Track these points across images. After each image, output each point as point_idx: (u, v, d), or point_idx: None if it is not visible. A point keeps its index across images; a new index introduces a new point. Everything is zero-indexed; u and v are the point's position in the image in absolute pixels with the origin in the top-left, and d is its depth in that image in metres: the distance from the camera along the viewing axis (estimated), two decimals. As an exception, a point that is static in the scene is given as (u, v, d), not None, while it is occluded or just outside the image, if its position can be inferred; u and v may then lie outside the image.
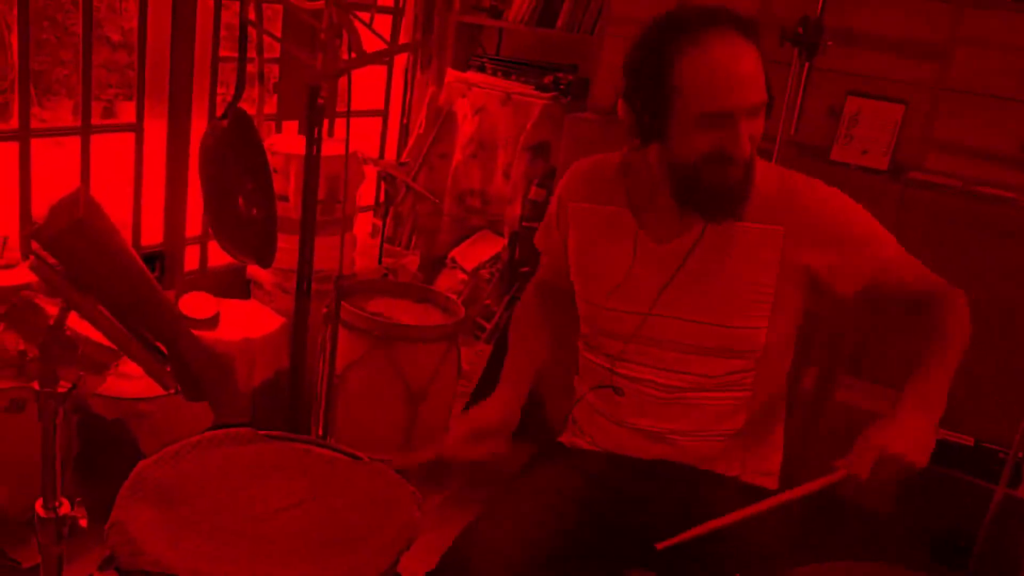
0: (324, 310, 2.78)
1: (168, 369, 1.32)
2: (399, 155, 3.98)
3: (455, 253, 3.74)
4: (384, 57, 3.31)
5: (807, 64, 2.32)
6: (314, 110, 2.07)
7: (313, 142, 2.10)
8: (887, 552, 2.54)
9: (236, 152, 2.35)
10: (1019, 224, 2.51)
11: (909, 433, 1.36)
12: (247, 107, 2.50)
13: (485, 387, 3.24)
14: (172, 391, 1.34)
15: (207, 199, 2.56)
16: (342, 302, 2.61)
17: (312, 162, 2.11)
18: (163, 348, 1.33)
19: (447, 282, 3.64)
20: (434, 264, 3.83)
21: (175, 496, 1.45)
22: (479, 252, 3.70)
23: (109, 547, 1.32)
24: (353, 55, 2.14)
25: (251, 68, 2.90)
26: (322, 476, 1.57)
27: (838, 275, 1.55)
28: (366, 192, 3.78)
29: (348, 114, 2.89)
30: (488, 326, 3.32)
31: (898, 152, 2.76)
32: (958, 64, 2.62)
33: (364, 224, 3.95)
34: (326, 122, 2.76)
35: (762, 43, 1.43)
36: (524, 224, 3.43)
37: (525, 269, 3.40)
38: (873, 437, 1.36)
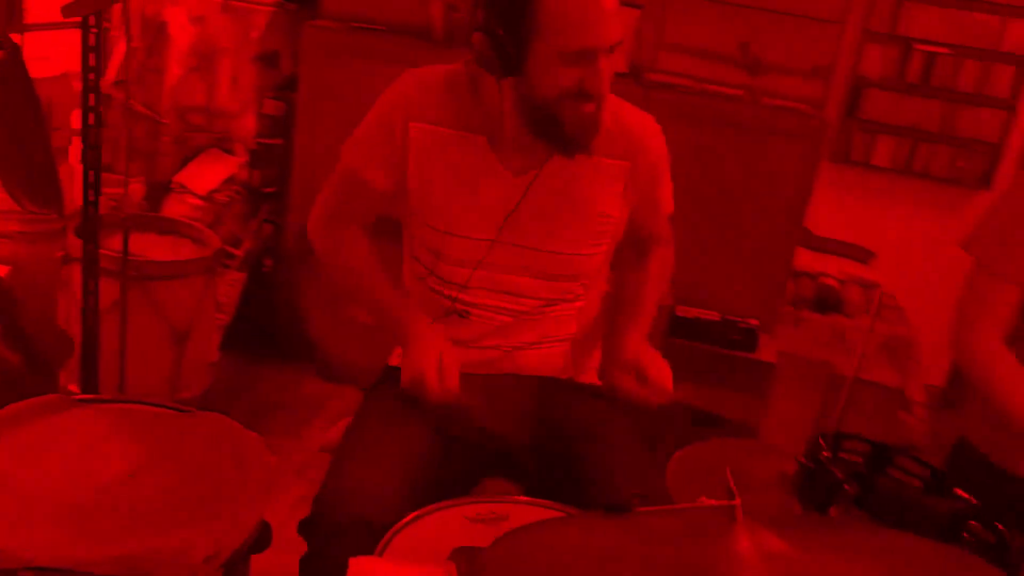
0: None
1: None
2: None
3: (181, 177, 3.47)
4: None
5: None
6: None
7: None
8: (657, 424, 2.81)
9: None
10: (745, 117, 2.82)
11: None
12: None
13: (242, 319, 3.12)
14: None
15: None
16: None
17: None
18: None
19: (179, 209, 3.38)
20: (158, 190, 3.53)
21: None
22: (210, 174, 3.46)
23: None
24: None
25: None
26: (158, 437, 1.45)
27: (640, 203, 1.70)
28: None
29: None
30: (239, 253, 3.16)
31: (634, 55, 2.96)
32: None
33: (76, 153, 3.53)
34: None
35: None
36: (261, 141, 3.27)
37: (270, 190, 3.26)
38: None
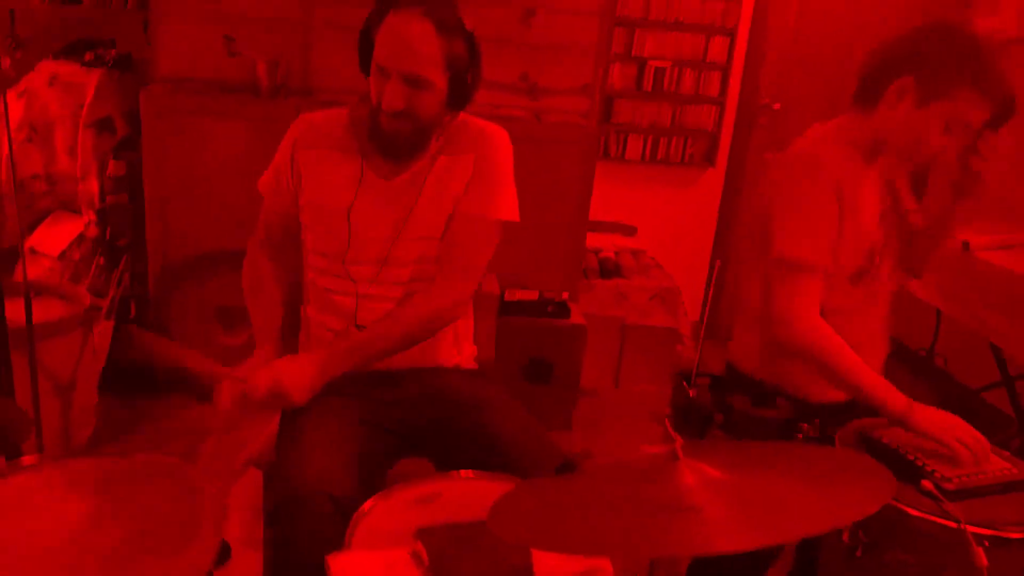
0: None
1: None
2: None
3: (32, 242, 3.09)
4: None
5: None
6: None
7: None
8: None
9: None
10: (534, 134, 2.89)
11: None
12: None
13: (113, 363, 2.84)
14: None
15: None
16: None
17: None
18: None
19: (34, 271, 3.01)
20: (5, 256, 3.13)
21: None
22: (59, 235, 3.11)
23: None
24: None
25: None
26: (110, 485, 1.31)
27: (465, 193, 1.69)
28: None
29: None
30: (105, 303, 2.86)
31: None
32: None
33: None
34: None
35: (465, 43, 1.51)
36: (110, 199, 2.97)
37: (123, 242, 2.98)
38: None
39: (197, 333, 2.93)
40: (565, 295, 2.99)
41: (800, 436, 1.37)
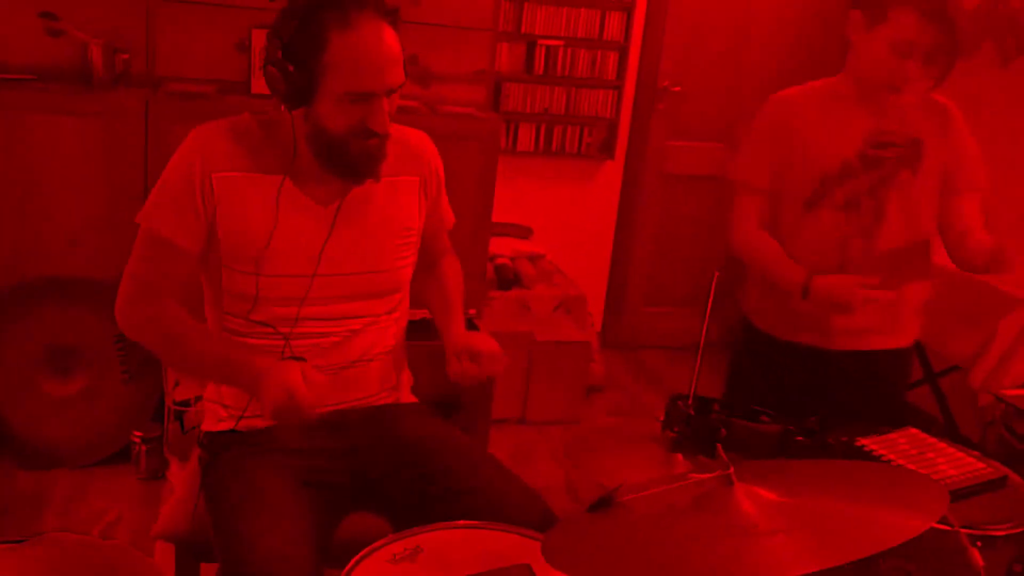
0: None
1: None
2: None
3: None
4: None
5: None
6: None
7: None
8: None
9: None
10: (428, 127, 2.97)
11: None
12: None
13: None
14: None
15: None
16: None
17: None
18: None
19: None
20: None
21: None
22: None
23: None
24: None
25: None
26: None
27: (429, 214, 1.82)
28: None
29: None
30: None
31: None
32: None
33: None
34: None
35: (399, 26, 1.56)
36: None
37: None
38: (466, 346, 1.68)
39: (17, 380, 2.79)
40: (472, 311, 3.09)
41: (794, 448, 1.55)
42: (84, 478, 2.82)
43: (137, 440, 2.84)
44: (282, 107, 1.57)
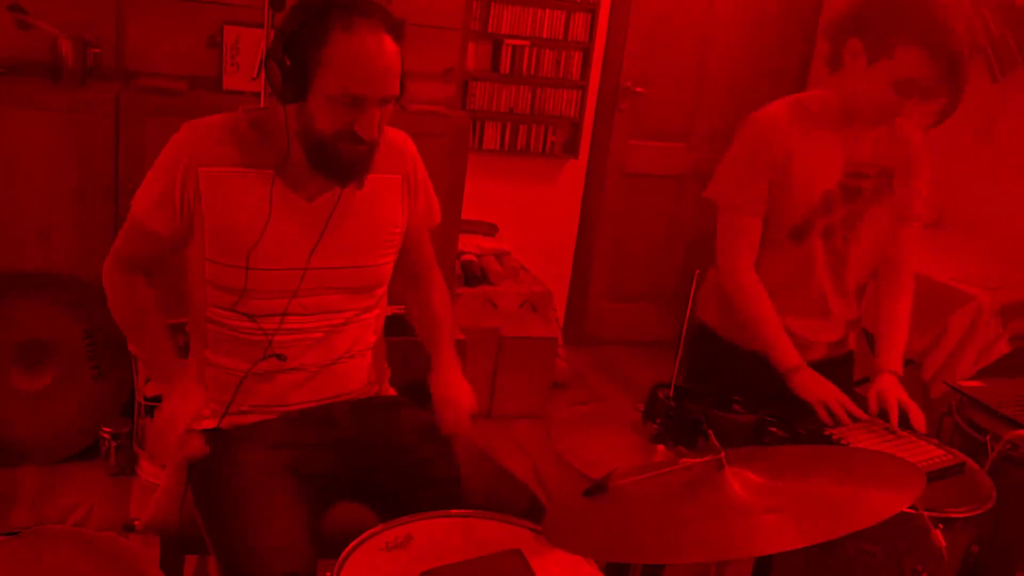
0: None
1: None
2: None
3: None
4: None
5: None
6: None
7: None
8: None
9: None
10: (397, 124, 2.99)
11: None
12: None
13: None
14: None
15: None
16: None
17: None
18: None
19: None
20: None
21: None
22: None
23: None
24: None
25: None
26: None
27: (411, 212, 1.84)
28: None
29: None
30: None
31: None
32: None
33: None
34: None
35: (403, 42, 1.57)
36: None
37: None
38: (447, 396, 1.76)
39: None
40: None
41: (766, 439, 1.61)
42: (53, 474, 2.79)
43: (107, 436, 2.82)
44: (277, 103, 1.58)
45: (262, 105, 2.48)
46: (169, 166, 1.63)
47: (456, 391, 1.77)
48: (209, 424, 1.72)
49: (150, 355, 1.74)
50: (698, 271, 1.57)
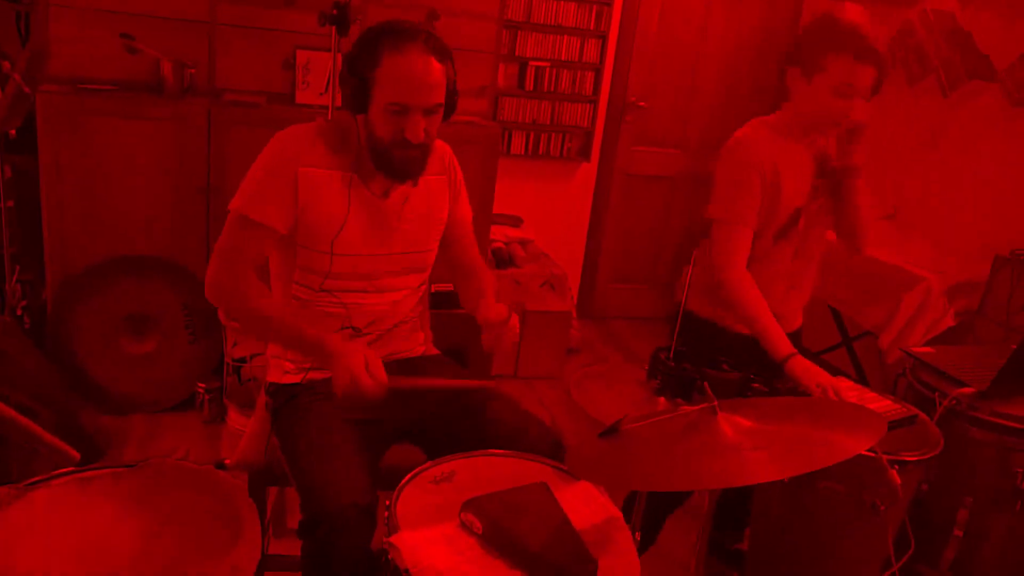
0: None
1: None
2: None
3: None
4: None
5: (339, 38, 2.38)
6: None
7: None
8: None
9: None
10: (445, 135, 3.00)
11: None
12: None
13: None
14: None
15: None
16: None
17: None
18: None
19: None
20: None
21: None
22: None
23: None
24: None
25: None
26: (150, 498, 1.30)
27: (453, 209, 1.86)
28: None
29: None
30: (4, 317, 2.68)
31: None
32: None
33: None
34: None
35: (450, 63, 1.60)
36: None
37: (12, 250, 2.79)
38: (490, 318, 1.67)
39: (101, 342, 2.81)
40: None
41: (750, 393, 1.62)
42: (156, 421, 2.86)
43: (201, 390, 2.87)
44: (347, 115, 1.62)
45: (329, 117, 2.50)
46: (279, 167, 1.62)
47: (497, 314, 1.67)
48: (292, 379, 1.75)
49: (295, 343, 1.65)
50: (696, 252, 1.57)
